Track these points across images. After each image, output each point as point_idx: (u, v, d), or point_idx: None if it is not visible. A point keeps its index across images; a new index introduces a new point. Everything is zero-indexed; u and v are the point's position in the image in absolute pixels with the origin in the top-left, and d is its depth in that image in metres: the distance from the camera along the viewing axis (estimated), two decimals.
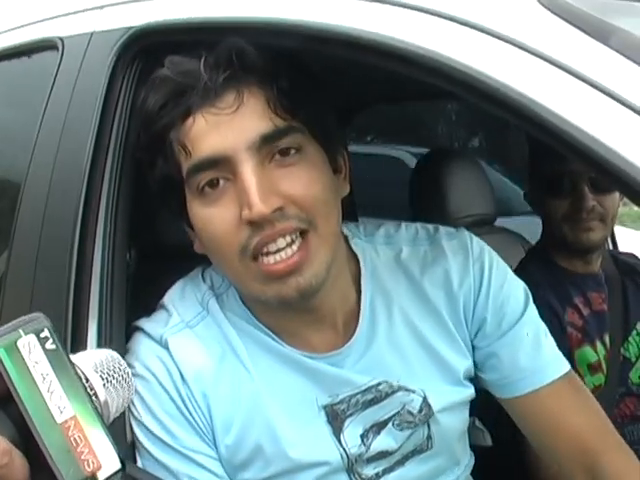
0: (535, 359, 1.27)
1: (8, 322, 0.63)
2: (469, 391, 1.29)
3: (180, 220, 1.19)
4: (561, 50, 0.89)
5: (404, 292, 1.25)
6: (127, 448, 1.20)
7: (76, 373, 0.63)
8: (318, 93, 1.16)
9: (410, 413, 1.23)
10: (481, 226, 2.32)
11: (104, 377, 0.67)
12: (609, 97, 0.84)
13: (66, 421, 0.61)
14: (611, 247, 2.72)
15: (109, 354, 0.68)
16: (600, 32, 0.89)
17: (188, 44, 1.14)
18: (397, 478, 1.25)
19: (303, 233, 1.09)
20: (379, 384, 1.22)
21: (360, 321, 1.22)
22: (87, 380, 0.67)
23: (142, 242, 1.57)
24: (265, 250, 1.07)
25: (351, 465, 1.21)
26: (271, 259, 1.08)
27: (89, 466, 0.61)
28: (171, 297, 1.25)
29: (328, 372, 1.20)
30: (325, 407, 1.20)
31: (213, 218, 1.10)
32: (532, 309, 1.30)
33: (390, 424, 1.23)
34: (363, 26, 1.03)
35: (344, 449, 1.20)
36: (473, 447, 1.39)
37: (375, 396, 1.22)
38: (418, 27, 0.99)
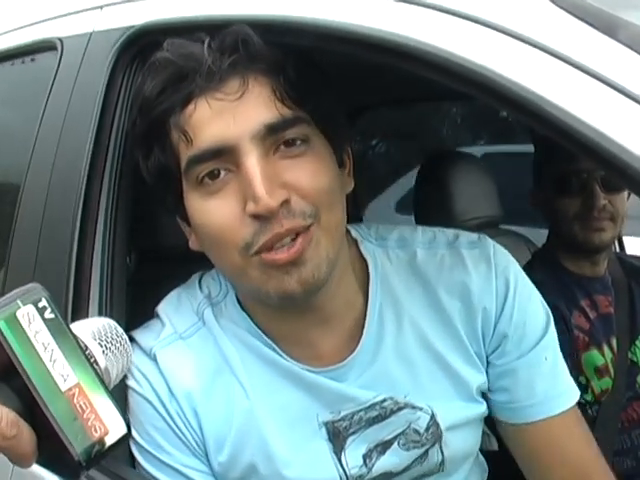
0: (551, 386, 1.21)
1: None
2: (482, 407, 1.22)
3: (175, 214, 1.15)
4: (569, 45, 0.87)
5: (417, 300, 1.17)
6: (129, 461, 1.19)
7: (76, 341, 0.63)
8: (326, 85, 1.11)
9: (416, 432, 1.17)
10: (486, 228, 2.31)
11: (103, 344, 0.67)
12: (618, 92, 0.83)
13: (70, 389, 0.61)
14: (617, 249, 2.70)
15: (106, 322, 0.68)
16: (608, 26, 0.88)
17: None
18: None
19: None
20: (384, 400, 1.15)
21: (365, 330, 1.15)
22: (86, 348, 0.66)
23: (142, 245, 1.56)
24: (271, 247, 1.01)
25: None
26: (270, 253, 1.02)
27: (96, 431, 0.61)
28: (165, 306, 1.20)
29: (330, 387, 1.14)
30: (326, 424, 1.15)
31: (213, 211, 1.03)
32: (553, 332, 1.22)
33: (395, 444, 1.17)
34: (371, 24, 1.01)
35: (344, 470, 1.15)
36: (479, 452, 1.34)
37: (379, 413, 1.16)
38: (425, 24, 0.97)
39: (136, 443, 1.15)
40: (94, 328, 0.67)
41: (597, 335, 1.96)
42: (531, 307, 1.20)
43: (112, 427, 0.62)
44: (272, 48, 1.04)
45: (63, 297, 1.26)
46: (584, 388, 1.92)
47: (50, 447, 0.60)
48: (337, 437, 1.15)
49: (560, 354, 1.24)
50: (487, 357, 1.20)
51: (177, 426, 1.13)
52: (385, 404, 1.16)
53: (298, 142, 1.04)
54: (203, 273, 1.23)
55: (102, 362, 0.66)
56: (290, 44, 1.10)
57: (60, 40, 1.50)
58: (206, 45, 1.02)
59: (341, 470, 1.15)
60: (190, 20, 1.23)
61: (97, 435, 0.61)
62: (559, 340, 1.85)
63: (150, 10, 1.32)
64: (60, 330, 0.62)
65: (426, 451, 1.18)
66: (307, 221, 1.02)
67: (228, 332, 1.16)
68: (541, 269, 2.02)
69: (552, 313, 1.87)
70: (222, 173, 1.03)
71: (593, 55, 0.86)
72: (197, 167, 1.03)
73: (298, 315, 1.12)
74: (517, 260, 2.18)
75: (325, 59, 1.13)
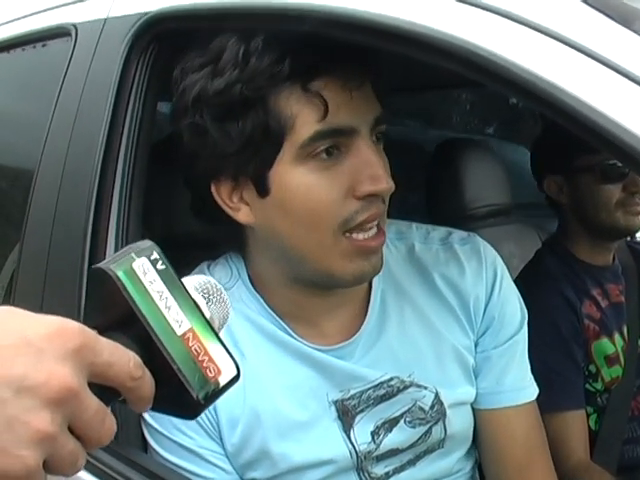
0: (518, 378, 1.30)
1: None
2: (474, 391, 1.29)
3: (239, 182, 1.11)
4: (584, 35, 0.86)
5: (417, 286, 1.25)
6: (142, 446, 1.21)
7: (186, 290, 0.67)
8: None
9: (422, 409, 1.22)
10: (497, 216, 2.30)
11: (205, 297, 0.70)
12: (633, 82, 0.82)
13: (185, 333, 0.64)
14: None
15: (204, 278, 0.72)
16: (624, 16, 0.87)
17: (204, 30, 1.12)
18: (407, 478, 1.23)
19: None
20: (391, 379, 1.21)
21: (370, 310, 1.22)
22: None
23: (156, 231, 1.56)
24: (366, 227, 1.10)
25: (360, 463, 1.20)
26: (361, 235, 1.10)
27: (211, 372, 0.65)
28: None
29: (339, 366, 1.19)
30: (336, 402, 1.19)
31: (322, 187, 1.08)
32: (526, 329, 1.32)
33: (402, 421, 1.22)
34: (379, 10, 1.00)
35: (353, 446, 1.19)
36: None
37: (387, 392, 1.21)
38: (436, 11, 0.96)
39: (150, 426, 1.18)
40: (195, 283, 0.71)
41: (608, 324, 1.95)
42: (512, 301, 1.30)
43: (224, 368, 0.66)
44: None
45: (77, 282, 1.26)
46: (594, 377, 1.92)
47: (167, 391, 0.64)
48: (346, 415, 1.19)
49: (527, 352, 1.32)
50: (476, 341, 1.28)
51: None
52: (392, 383, 1.21)
53: (380, 137, 1.13)
54: (210, 262, 1.25)
55: (207, 312, 0.69)
56: (304, 32, 1.10)
57: (74, 26, 1.49)
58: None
59: (350, 446, 1.19)
60: (205, 6, 1.23)
61: (212, 376, 0.65)
62: (568, 330, 1.87)
63: None
64: (171, 280, 0.66)
65: (430, 428, 1.23)
66: (385, 211, 1.13)
67: (239, 315, 1.18)
68: (551, 258, 2.02)
69: (561, 302, 1.89)
70: (336, 151, 1.08)
71: (608, 45, 0.85)
72: (320, 141, 1.07)
73: (321, 298, 1.20)
74: (528, 248, 2.19)
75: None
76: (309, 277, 1.15)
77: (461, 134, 3.70)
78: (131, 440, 1.21)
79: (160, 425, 1.16)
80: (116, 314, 0.64)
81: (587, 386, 1.92)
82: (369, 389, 1.20)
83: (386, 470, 1.22)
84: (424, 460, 1.24)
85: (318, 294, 1.18)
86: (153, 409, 0.65)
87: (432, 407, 1.22)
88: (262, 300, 1.20)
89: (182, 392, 0.64)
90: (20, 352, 0.56)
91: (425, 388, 1.22)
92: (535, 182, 2.11)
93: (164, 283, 0.65)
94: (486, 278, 1.26)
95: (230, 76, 1.06)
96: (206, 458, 1.16)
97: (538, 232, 2.43)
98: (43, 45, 1.65)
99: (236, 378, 0.67)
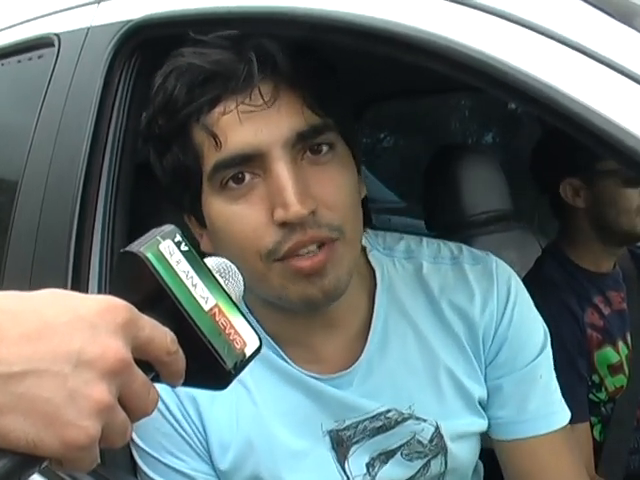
0: (543, 404, 1.21)
1: None
2: (484, 422, 1.21)
3: (182, 214, 1.13)
4: (584, 34, 0.83)
5: (422, 309, 1.18)
6: (130, 468, 1.18)
7: (208, 269, 0.72)
8: (345, 93, 1.11)
9: (420, 443, 1.17)
10: (497, 223, 2.28)
11: (222, 275, 0.75)
12: (635, 82, 0.79)
13: (211, 309, 0.69)
14: None
15: (219, 258, 0.77)
16: (625, 14, 0.84)
17: (189, 37, 1.10)
18: None
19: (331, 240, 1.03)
20: (388, 411, 1.15)
21: (370, 337, 1.15)
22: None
23: None
24: (295, 254, 1.01)
25: None
26: (296, 258, 1.01)
27: (237, 344, 0.70)
28: None
29: (335, 396, 1.14)
30: (330, 432, 1.15)
31: (239, 216, 1.02)
32: (549, 352, 1.23)
33: (399, 454, 1.17)
34: (373, 14, 0.97)
35: (348, 477, 1.15)
36: (481, 450, 1.30)
37: (384, 424, 1.15)
38: (431, 13, 0.93)
39: (139, 449, 1.14)
40: (212, 263, 0.75)
41: (612, 332, 1.93)
42: (530, 320, 1.22)
43: (248, 340, 0.71)
44: (300, 57, 1.03)
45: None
46: (597, 387, 1.90)
47: (197, 365, 0.68)
48: (341, 446, 1.15)
49: (554, 374, 1.23)
50: (485, 368, 1.20)
51: (183, 429, 1.12)
52: (390, 414, 1.16)
53: (324, 148, 1.04)
54: None
55: (227, 289, 0.73)
56: (291, 37, 1.08)
57: (57, 36, 1.48)
58: (233, 52, 1.01)
59: (345, 477, 1.15)
60: (190, 13, 1.20)
61: (238, 347, 0.70)
62: (570, 340, 1.84)
63: (148, 4, 1.29)
64: (195, 260, 0.71)
65: (428, 461, 1.18)
66: (333, 234, 1.02)
67: None
68: (552, 265, 1.99)
69: (562, 312, 1.85)
70: (247, 177, 1.01)
71: (610, 44, 0.82)
72: (224, 171, 1.02)
73: (305, 319, 1.12)
74: (528, 255, 2.17)
75: (331, 50, 1.10)
76: (270, 300, 1.10)
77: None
78: (119, 462, 1.18)
79: (150, 447, 1.13)
80: (145, 294, 0.68)
81: (591, 396, 1.89)
82: (365, 420, 1.15)
83: None
84: None
85: (298, 314, 1.11)
86: (184, 384, 0.69)
87: (431, 440, 1.17)
88: (256, 322, 1.14)
89: (213, 364, 0.69)
90: (76, 328, 0.59)
91: (424, 421, 1.16)
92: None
93: (189, 263, 0.69)
94: (498, 299, 1.18)
95: (155, 111, 1.07)
96: None
97: (538, 239, 2.41)
98: (30, 56, 1.63)
99: (259, 349, 0.72)
